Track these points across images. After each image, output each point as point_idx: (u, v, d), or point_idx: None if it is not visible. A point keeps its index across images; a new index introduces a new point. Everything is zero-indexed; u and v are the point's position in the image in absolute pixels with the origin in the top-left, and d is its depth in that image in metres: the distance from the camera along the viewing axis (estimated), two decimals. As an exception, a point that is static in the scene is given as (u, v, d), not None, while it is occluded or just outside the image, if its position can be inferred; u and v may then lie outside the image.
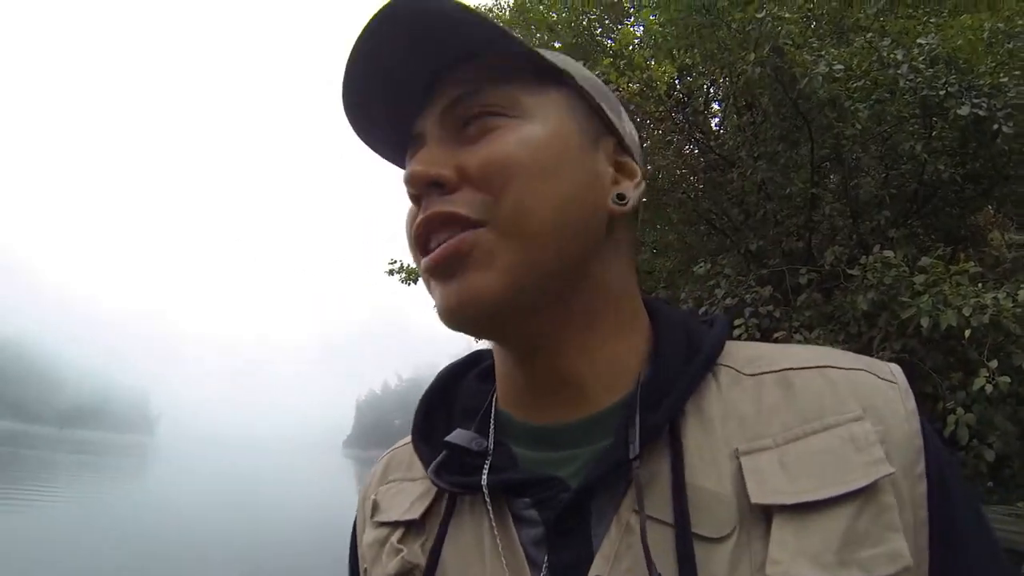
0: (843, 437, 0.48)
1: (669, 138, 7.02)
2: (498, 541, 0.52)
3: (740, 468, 0.48)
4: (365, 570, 0.61)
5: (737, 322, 4.58)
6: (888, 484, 0.47)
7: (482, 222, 0.50)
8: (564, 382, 0.55)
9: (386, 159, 0.60)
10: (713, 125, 7.73)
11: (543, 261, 0.50)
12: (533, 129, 0.52)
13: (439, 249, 0.50)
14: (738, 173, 5.78)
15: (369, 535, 0.61)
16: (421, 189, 0.51)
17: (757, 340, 4.17)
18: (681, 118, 7.05)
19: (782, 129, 5.47)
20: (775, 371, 0.53)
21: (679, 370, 0.53)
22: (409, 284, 10.39)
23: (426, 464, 0.57)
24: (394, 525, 0.59)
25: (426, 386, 0.64)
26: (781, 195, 5.63)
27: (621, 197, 0.56)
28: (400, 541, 0.57)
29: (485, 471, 0.53)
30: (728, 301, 4.67)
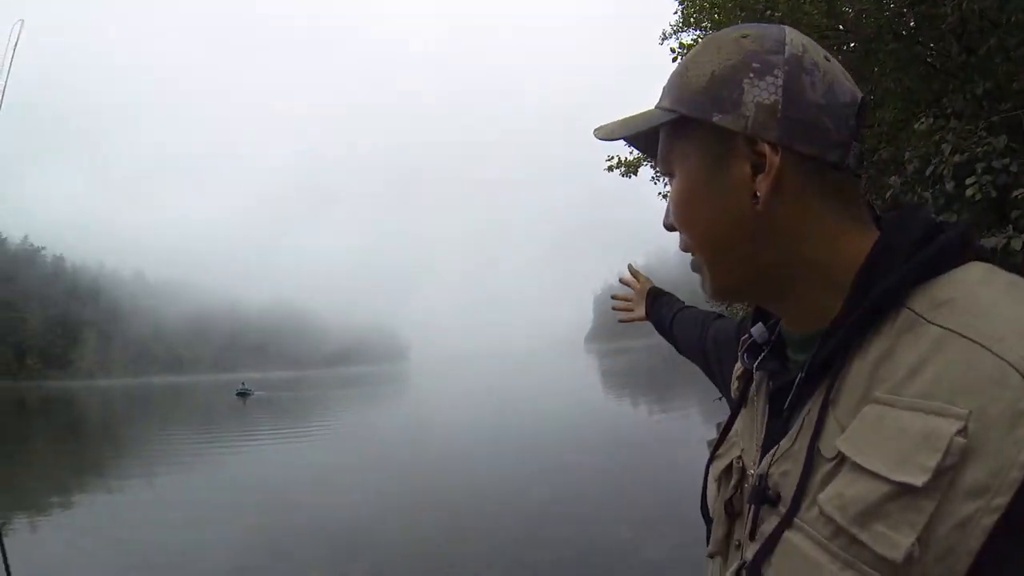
0: (926, 427, 0.49)
1: (867, -28, 6.28)
2: (760, 403, 0.74)
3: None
4: (729, 371, 0.91)
5: (969, 180, 4.09)
6: (936, 491, 0.47)
7: (695, 251, 0.72)
8: (786, 312, 0.71)
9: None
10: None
11: (722, 271, 0.70)
12: (676, 187, 0.71)
13: (690, 264, 0.74)
14: (951, 5, 5.06)
15: (737, 366, 0.85)
16: (668, 231, 0.76)
17: (992, 200, 3.72)
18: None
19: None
20: (943, 328, 0.53)
21: (854, 312, 0.59)
22: (630, 176, 10.51)
23: (743, 345, 0.80)
24: (742, 368, 0.83)
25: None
26: (1007, 23, 4.82)
27: (756, 197, 0.64)
28: (738, 378, 0.83)
29: (759, 358, 0.75)
30: (957, 158, 4.16)
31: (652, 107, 0.74)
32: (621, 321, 1.85)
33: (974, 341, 0.50)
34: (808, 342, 0.65)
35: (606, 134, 0.76)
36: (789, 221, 0.64)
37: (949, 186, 4.25)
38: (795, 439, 0.62)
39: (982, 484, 0.46)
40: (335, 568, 10.47)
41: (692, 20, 9.48)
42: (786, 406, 0.65)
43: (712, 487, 0.79)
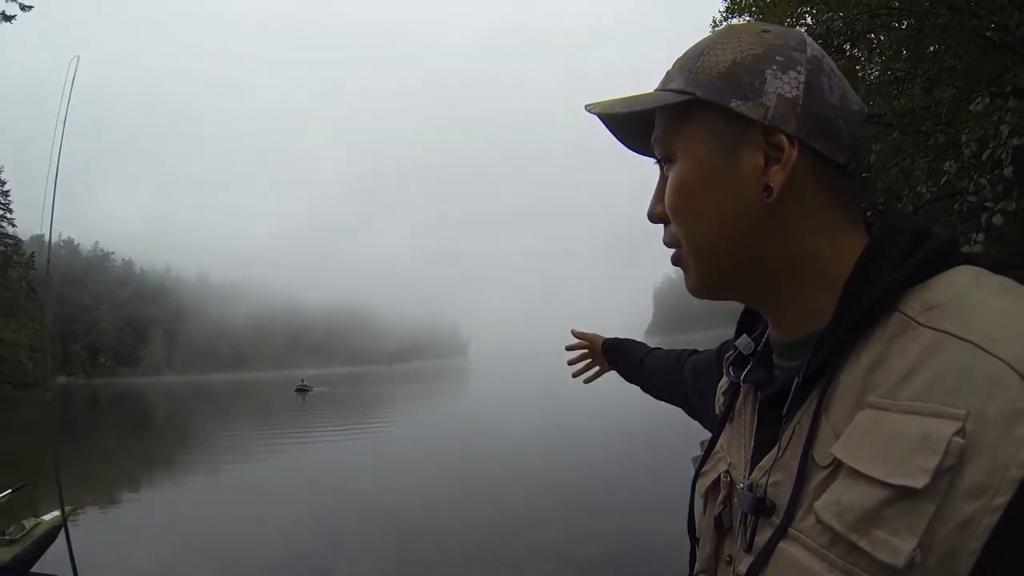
0: (924, 429, 0.48)
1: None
2: (747, 415, 0.73)
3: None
4: (712, 396, 0.91)
5: (1029, 168, 3.76)
6: (936, 493, 0.46)
7: (680, 244, 0.70)
8: (780, 315, 0.69)
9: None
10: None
11: (714, 266, 0.68)
12: (677, 172, 0.68)
13: (672, 256, 0.73)
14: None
15: (722, 381, 0.86)
16: (654, 223, 0.74)
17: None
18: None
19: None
20: (936, 330, 0.52)
21: (846, 317, 0.58)
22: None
23: (728, 359, 0.79)
24: (727, 382, 0.83)
25: None
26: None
27: (768, 189, 0.63)
28: (723, 394, 0.83)
29: (746, 370, 0.74)
30: (1016, 141, 3.86)
31: (652, 90, 0.72)
32: (586, 382, 1.82)
33: (969, 342, 0.50)
34: (798, 347, 0.65)
35: (603, 109, 0.72)
36: (796, 217, 0.64)
37: (1008, 171, 3.94)
38: (786, 448, 0.61)
39: (982, 484, 0.45)
40: (388, 556, 10.60)
41: (739, 6, 9.27)
42: (784, 412, 0.63)
43: (699, 504, 0.78)
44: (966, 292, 0.54)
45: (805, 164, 0.63)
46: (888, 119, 7.16)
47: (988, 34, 5.89)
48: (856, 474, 0.51)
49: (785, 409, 0.63)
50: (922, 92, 6.96)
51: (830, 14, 6.36)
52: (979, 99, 4.41)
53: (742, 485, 0.68)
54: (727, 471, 0.73)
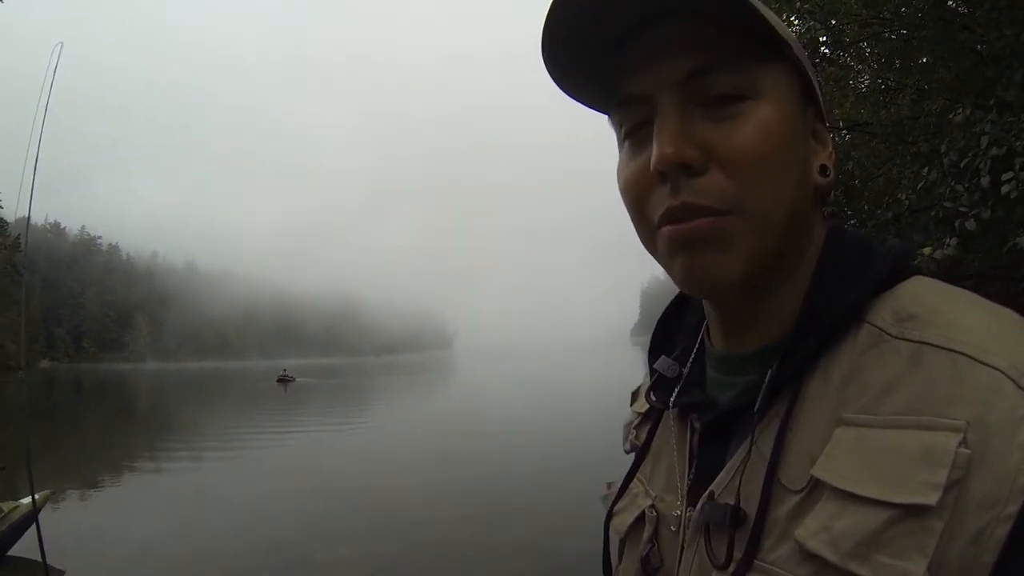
0: (923, 444, 0.45)
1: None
2: (676, 442, 0.67)
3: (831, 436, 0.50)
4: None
5: (1005, 176, 3.79)
6: (944, 508, 0.43)
7: (729, 211, 0.54)
8: (750, 321, 0.61)
9: (582, 103, 0.64)
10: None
11: (776, 246, 0.56)
12: (770, 115, 0.54)
13: (690, 226, 0.54)
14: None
15: (628, 415, 0.81)
16: (670, 171, 0.54)
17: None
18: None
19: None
20: (914, 341, 0.50)
21: (813, 328, 0.55)
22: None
23: (649, 383, 0.73)
24: (638, 415, 0.78)
25: None
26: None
27: (824, 169, 0.59)
28: (636, 428, 0.78)
29: (675, 393, 0.67)
30: (994, 151, 3.89)
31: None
32: None
33: (958, 352, 0.47)
34: (752, 361, 0.60)
35: None
36: (814, 205, 0.60)
37: (984, 181, 3.97)
38: (741, 472, 0.56)
39: (992, 495, 0.43)
40: (365, 543, 10.63)
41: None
42: (740, 431, 0.58)
43: (616, 544, 0.73)
44: (937, 303, 0.52)
45: None
46: (875, 129, 7.20)
47: (978, 47, 5.92)
48: (848, 496, 0.47)
49: (756, 421, 0.57)
50: (911, 103, 6.99)
51: (812, 23, 6.38)
52: (960, 109, 4.44)
53: (678, 512, 0.63)
54: (652, 505, 0.68)
